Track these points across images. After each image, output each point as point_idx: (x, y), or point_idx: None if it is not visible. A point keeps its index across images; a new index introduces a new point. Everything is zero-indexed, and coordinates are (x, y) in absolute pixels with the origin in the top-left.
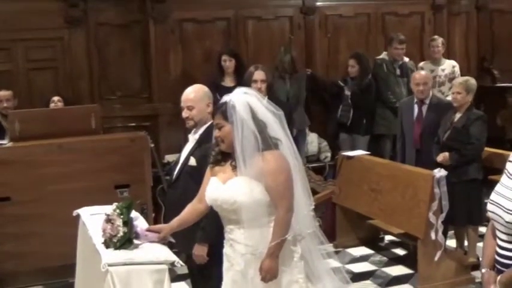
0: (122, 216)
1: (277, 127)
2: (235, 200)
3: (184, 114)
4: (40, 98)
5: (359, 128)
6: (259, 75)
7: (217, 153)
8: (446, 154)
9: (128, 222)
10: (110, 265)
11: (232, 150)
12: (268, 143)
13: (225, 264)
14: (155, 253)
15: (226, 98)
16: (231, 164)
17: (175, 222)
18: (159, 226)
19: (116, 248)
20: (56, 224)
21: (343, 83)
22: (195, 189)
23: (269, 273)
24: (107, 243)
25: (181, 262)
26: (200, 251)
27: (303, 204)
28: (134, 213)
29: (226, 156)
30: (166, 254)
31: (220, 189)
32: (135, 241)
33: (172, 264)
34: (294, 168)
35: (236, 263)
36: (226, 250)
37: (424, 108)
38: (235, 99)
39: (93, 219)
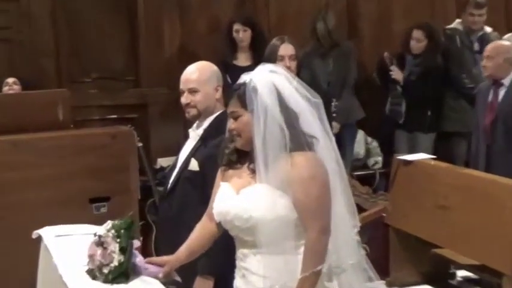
0: (118, 240)
1: (313, 120)
2: (251, 215)
3: (185, 99)
4: None
5: (421, 123)
6: (286, 49)
7: (231, 152)
8: None
9: (126, 249)
10: None
11: (251, 148)
12: (299, 141)
13: None
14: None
15: (245, 77)
16: (249, 166)
17: (184, 251)
18: (164, 258)
19: (107, 281)
20: (8, 247)
21: (392, 62)
22: (197, 201)
23: None
24: (94, 274)
25: None
26: (203, 286)
27: (345, 226)
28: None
29: (243, 157)
30: None
31: (233, 199)
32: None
33: None
34: (334, 177)
35: None
36: (237, 283)
37: (502, 92)
38: (257, 80)
39: (60, 243)
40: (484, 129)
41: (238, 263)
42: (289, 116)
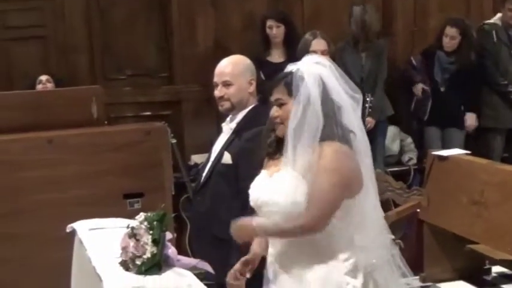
0: (151, 232)
1: (353, 115)
2: (276, 201)
3: (218, 92)
4: (23, 78)
5: (454, 120)
6: (318, 44)
7: (271, 142)
8: None
9: (158, 241)
10: None
11: None
12: (332, 132)
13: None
14: (175, 280)
15: (291, 67)
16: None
17: (256, 247)
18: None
19: (140, 273)
20: (42, 246)
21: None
22: (230, 195)
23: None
24: (127, 265)
25: None
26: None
27: (373, 224)
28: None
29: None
30: (190, 281)
31: (263, 186)
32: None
33: None
34: (367, 172)
35: None
36: (269, 275)
37: None
38: (304, 69)
39: (93, 236)
40: None
41: (269, 254)
42: (330, 108)
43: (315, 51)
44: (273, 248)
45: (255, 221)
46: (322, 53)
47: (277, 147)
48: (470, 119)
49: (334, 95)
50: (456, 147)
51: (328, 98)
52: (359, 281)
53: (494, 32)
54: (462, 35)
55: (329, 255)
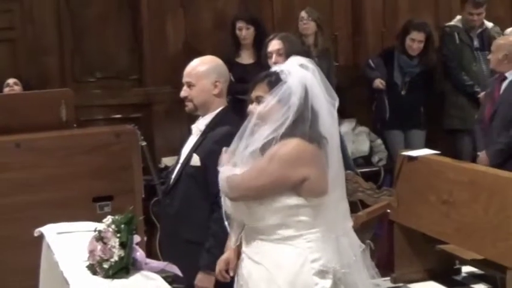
0: (118, 235)
1: (329, 120)
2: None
3: (182, 93)
4: None
5: (415, 121)
6: (273, 45)
7: None
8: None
9: (126, 244)
10: None
11: None
12: (300, 131)
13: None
14: (143, 283)
15: (276, 68)
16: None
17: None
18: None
19: (108, 277)
20: (11, 250)
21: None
22: (199, 197)
23: None
24: (94, 269)
25: None
26: (205, 282)
27: (338, 230)
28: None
29: None
30: (158, 284)
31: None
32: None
33: None
34: (335, 178)
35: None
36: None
37: (504, 85)
38: (289, 71)
39: (61, 240)
40: (483, 123)
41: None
42: (308, 112)
43: (270, 53)
44: (246, 245)
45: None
46: (277, 52)
47: None
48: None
49: (314, 99)
50: (418, 148)
51: (307, 102)
52: (328, 281)
53: (456, 34)
54: (426, 39)
55: (298, 254)
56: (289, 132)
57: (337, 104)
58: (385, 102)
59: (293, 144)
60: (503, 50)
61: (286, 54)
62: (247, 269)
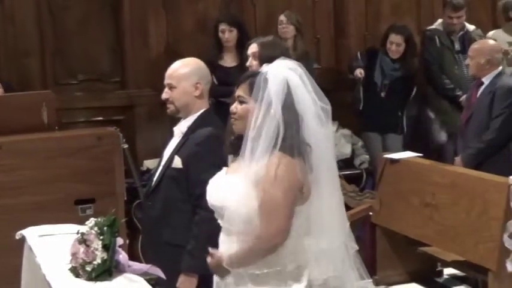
0: (101, 238)
1: (316, 125)
2: (224, 203)
3: (164, 95)
4: None
5: (392, 124)
6: (251, 48)
7: (233, 141)
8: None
9: (109, 246)
10: None
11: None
12: (290, 144)
13: (215, 285)
14: (126, 286)
15: (265, 67)
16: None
17: None
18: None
19: (91, 279)
20: None
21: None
22: (180, 199)
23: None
24: (77, 272)
25: None
26: (187, 284)
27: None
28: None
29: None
30: (141, 287)
31: (216, 184)
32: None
33: None
34: (323, 185)
35: None
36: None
37: (480, 90)
38: (271, 73)
39: (43, 243)
40: (461, 127)
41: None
42: (291, 116)
43: (248, 55)
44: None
45: (222, 257)
46: (253, 55)
47: (237, 146)
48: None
49: (299, 103)
50: (395, 152)
51: (291, 106)
52: (302, 285)
53: (437, 38)
54: (406, 42)
55: (277, 263)
56: (282, 146)
57: (329, 108)
58: (360, 92)
59: (287, 162)
60: (484, 55)
61: (260, 58)
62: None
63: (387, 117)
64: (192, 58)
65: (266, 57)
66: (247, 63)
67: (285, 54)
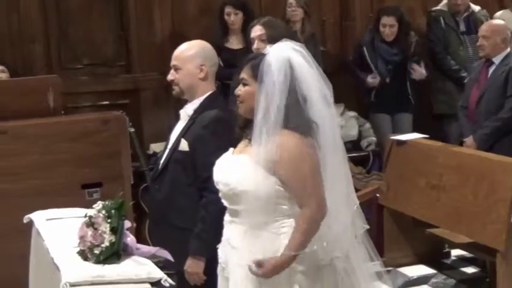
0: (109, 221)
1: (321, 104)
2: (233, 183)
3: (169, 76)
4: None
5: (402, 105)
6: (255, 31)
7: (241, 121)
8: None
9: (117, 229)
10: (72, 285)
11: (252, 118)
12: (296, 122)
13: (219, 267)
14: (134, 268)
15: (268, 49)
16: (247, 137)
17: None
18: None
19: (99, 262)
20: (0, 237)
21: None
22: (187, 182)
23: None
24: (85, 255)
25: (170, 280)
26: (194, 267)
27: (337, 216)
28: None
29: (250, 127)
30: (149, 269)
31: (223, 164)
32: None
33: (158, 283)
34: (330, 163)
35: (231, 274)
36: (219, 252)
37: (491, 70)
38: (275, 55)
39: (51, 226)
40: (469, 109)
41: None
42: (295, 97)
43: (253, 39)
44: (225, 229)
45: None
46: (259, 38)
47: (244, 129)
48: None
49: (302, 84)
50: (406, 132)
51: (294, 86)
52: (301, 266)
53: (441, 18)
54: (399, 22)
55: (273, 240)
56: (288, 125)
57: (330, 89)
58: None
59: (298, 139)
60: (500, 34)
61: (269, 39)
62: (225, 253)
63: (395, 99)
64: (199, 40)
65: (275, 38)
66: (255, 46)
67: (288, 32)
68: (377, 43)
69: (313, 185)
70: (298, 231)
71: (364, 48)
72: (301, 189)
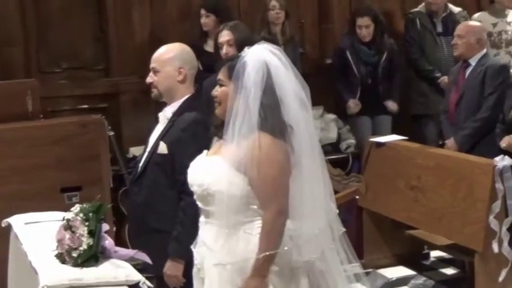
0: (87, 224)
1: (297, 107)
2: (206, 184)
3: (148, 78)
4: None
5: (382, 106)
6: (222, 36)
7: (217, 122)
8: None
9: (94, 232)
10: None
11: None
12: (272, 125)
13: (194, 269)
14: (113, 271)
15: (245, 51)
16: (222, 137)
17: None
18: None
19: (77, 265)
20: None
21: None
22: (166, 185)
23: None
24: (63, 258)
25: (148, 283)
26: (174, 270)
27: (312, 218)
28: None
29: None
30: (128, 272)
31: (197, 165)
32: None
33: (136, 286)
34: (309, 167)
35: (206, 274)
36: (194, 253)
37: (468, 71)
38: (251, 57)
39: (29, 230)
40: (449, 110)
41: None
42: (271, 99)
43: (221, 44)
44: (201, 230)
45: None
46: (227, 43)
47: (221, 129)
48: (392, 106)
49: (278, 86)
50: (385, 134)
51: (271, 88)
52: (274, 267)
53: (417, 20)
54: (374, 22)
55: (248, 240)
56: (263, 127)
57: (307, 92)
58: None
59: (270, 142)
60: (475, 34)
61: (237, 44)
62: (201, 254)
63: (375, 100)
64: (178, 43)
65: (243, 42)
66: (223, 51)
67: (254, 36)
68: (357, 46)
69: (276, 190)
70: (261, 234)
71: (348, 53)
72: (263, 192)
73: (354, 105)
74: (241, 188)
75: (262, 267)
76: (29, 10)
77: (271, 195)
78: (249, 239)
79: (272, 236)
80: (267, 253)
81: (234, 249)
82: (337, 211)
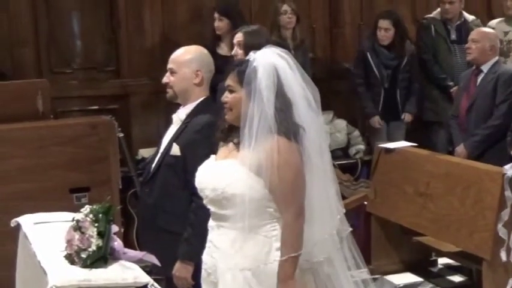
0: (96, 225)
1: (306, 109)
2: (224, 188)
3: (164, 79)
4: None
5: (398, 113)
6: (236, 37)
7: (224, 128)
8: None
9: (104, 233)
10: None
11: (239, 124)
12: (286, 128)
13: (203, 273)
14: (121, 273)
15: (252, 55)
16: (234, 141)
17: None
18: None
19: (86, 266)
20: None
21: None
22: (177, 187)
23: None
24: (72, 259)
25: (156, 285)
26: (183, 272)
27: (321, 222)
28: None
29: (235, 132)
30: (136, 274)
31: (210, 169)
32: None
33: (145, 287)
34: (313, 169)
35: (220, 279)
36: (204, 257)
37: (480, 78)
38: (260, 61)
39: (38, 230)
40: (460, 117)
41: (208, 235)
42: (283, 102)
43: (234, 44)
44: (212, 233)
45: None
46: (238, 44)
47: (228, 134)
48: (408, 118)
49: (289, 89)
50: (399, 140)
51: (281, 91)
52: None
53: (432, 26)
54: (395, 26)
55: (263, 243)
56: (279, 130)
57: (317, 94)
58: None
59: (287, 145)
60: (490, 40)
61: (245, 46)
62: (212, 258)
63: (391, 105)
64: (197, 46)
65: (250, 45)
66: (233, 52)
67: (270, 42)
68: (377, 48)
69: (294, 192)
70: (283, 237)
71: (368, 54)
72: (283, 195)
73: (378, 124)
74: (260, 191)
75: (289, 270)
76: (40, 11)
77: (290, 198)
78: (266, 242)
79: (294, 238)
80: (292, 255)
81: (250, 252)
82: (344, 211)
